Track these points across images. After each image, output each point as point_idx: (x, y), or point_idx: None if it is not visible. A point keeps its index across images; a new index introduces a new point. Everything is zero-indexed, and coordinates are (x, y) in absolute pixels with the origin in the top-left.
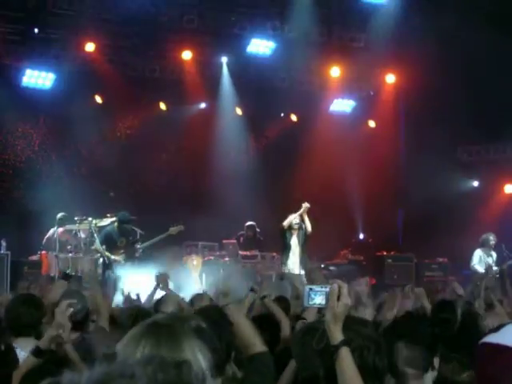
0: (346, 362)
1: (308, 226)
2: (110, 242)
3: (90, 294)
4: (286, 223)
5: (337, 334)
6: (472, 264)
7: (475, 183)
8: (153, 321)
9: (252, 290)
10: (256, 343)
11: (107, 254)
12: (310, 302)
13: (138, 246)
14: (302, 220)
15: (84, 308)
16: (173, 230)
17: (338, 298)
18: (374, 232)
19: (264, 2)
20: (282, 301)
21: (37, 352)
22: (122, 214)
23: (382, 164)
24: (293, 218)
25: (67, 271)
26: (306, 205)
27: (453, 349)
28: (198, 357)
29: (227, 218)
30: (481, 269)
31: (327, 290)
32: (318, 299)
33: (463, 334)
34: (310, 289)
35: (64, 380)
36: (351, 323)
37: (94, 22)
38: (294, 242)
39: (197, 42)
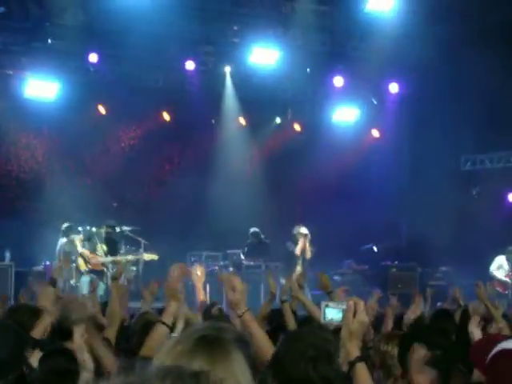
0: (363, 378)
1: (308, 253)
2: (114, 248)
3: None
4: (298, 251)
5: (352, 350)
6: (490, 270)
7: (478, 192)
8: (202, 335)
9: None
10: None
11: (117, 258)
12: (327, 319)
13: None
14: (304, 246)
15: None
16: (145, 255)
17: (354, 315)
18: (378, 241)
19: (266, 13)
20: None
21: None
22: (108, 221)
23: (385, 173)
24: (302, 245)
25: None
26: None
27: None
28: (245, 369)
29: (231, 227)
30: (499, 275)
31: (344, 306)
32: (335, 316)
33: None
34: (327, 305)
35: None
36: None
37: (98, 32)
38: (299, 251)
39: (200, 52)
